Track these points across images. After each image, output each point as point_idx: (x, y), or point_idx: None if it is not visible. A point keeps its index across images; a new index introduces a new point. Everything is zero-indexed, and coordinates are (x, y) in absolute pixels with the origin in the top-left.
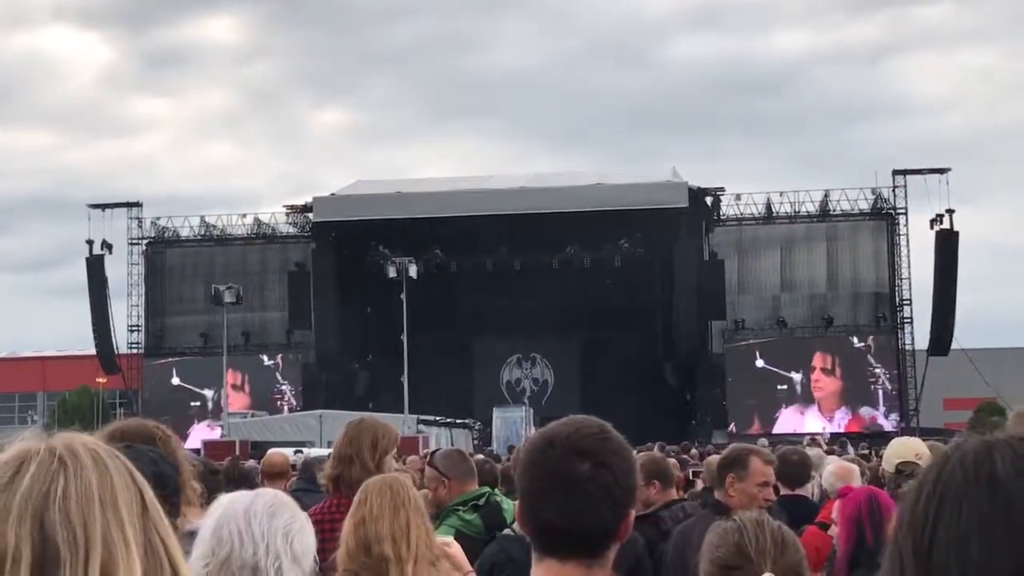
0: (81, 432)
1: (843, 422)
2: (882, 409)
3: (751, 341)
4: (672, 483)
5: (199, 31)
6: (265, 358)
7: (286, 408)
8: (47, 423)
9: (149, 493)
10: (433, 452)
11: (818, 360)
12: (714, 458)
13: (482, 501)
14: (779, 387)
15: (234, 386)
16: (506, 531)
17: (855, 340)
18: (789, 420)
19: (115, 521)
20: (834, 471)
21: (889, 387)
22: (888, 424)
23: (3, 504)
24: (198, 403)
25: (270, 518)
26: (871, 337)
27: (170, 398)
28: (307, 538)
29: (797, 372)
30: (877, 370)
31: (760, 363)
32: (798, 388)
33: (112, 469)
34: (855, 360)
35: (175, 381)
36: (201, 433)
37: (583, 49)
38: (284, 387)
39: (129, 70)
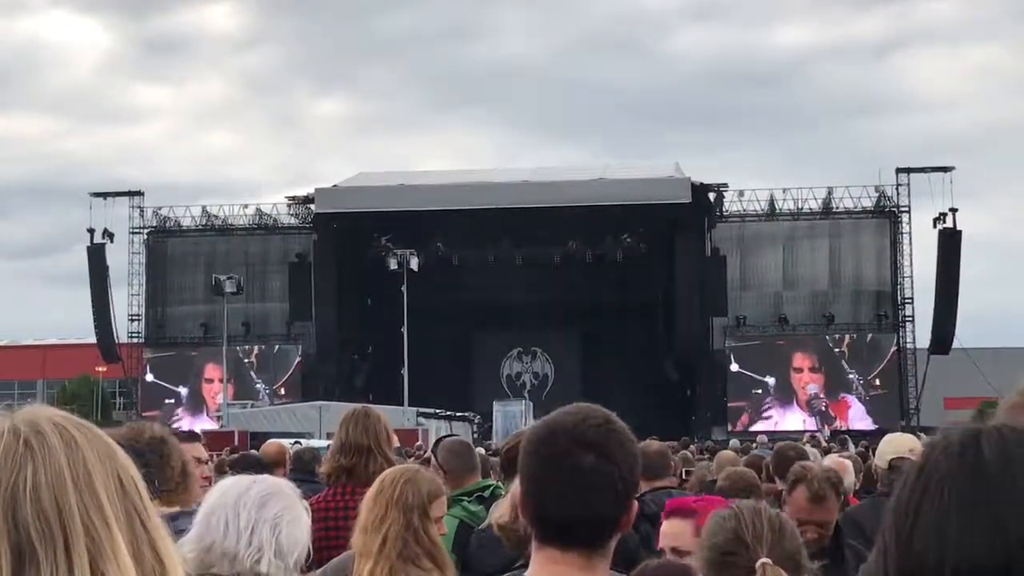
0: (47, 406)
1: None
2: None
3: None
4: (657, 474)
5: (198, 18)
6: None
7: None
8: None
9: (126, 466)
10: (439, 440)
11: (799, 361)
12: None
13: (487, 493)
14: (754, 391)
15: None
16: None
17: (844, 339)
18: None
19: (93, 503)
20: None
21: (863, 392)
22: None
23: None
24: (171, 400)
25: (259, 508)
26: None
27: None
28: (298, 531)
29: (770, 376)
30: (851, 375)
31: (735, 367)
32: (771, 390)
33: (83, 445)
34: (835, 360)
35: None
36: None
37: (586, 40)
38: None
39: (128, 57)
